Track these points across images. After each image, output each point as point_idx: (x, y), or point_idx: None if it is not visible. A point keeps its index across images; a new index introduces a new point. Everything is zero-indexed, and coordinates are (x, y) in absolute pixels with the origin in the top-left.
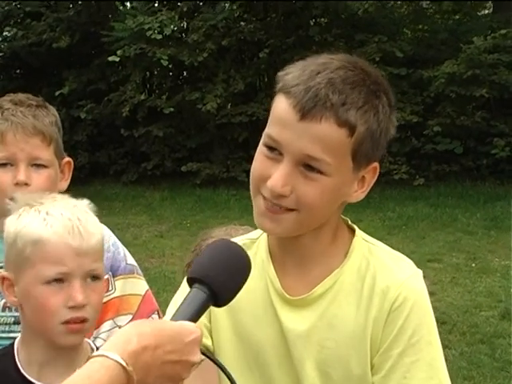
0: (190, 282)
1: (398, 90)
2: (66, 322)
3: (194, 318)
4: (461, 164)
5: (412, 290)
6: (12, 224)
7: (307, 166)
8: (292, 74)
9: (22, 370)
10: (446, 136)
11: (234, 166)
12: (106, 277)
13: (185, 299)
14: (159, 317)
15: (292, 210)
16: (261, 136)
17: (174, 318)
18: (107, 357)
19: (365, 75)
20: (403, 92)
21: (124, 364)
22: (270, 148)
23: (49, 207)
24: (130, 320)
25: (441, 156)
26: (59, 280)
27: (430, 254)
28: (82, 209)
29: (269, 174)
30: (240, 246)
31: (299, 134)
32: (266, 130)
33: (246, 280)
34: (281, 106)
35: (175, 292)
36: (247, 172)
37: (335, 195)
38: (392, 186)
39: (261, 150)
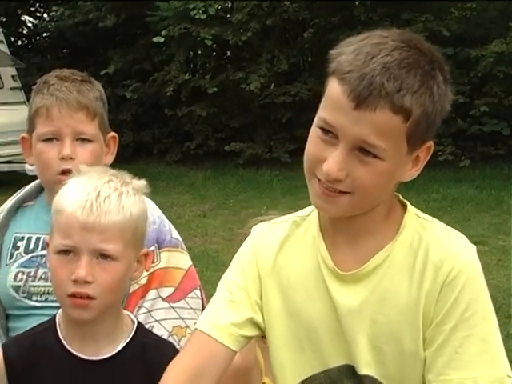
0: None
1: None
2: (72, 296)
3: None
4: (508, 145)
5: (466, 264)
6: (62, 188)
7: (363, 150)
8: (345, 56)
9: (65, 344)
10: (493, 117)
11: (276, 146)
12: (151, 248)
13: None
14: (201, 293)
15: (347, 192)
16: (304, 116)
17: None
18: None
19: (419, 55)
20: (449, 72)
21: None
22: (325, 131)
23: (83, 179)
24: (172, 293)
25: (487, 137)
26: (67, 252)
27: (476, 237)
28: (114, 186)
29: (324, 156)
30: None
31: (354, 120)
32: (320, 113)
33: None
34: (335, 91)
35: (218, 270)
36: (290, 152)
37: (390, 178)
38: (437, 168)
39: (315, 132)
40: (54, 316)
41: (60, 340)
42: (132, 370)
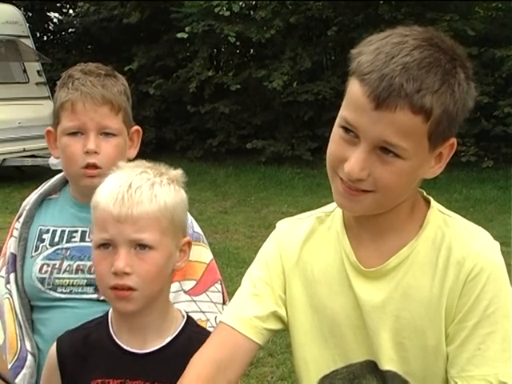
0: None
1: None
2: (114, 288)
3: None
4: None
5: (488, 261)
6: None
7: (384, 149)
8: (366, 56)
9: (115, 337)
10: None
11: (298, 144)
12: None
13: None
14: (222, 287)
15: (370, 191)
16: (326, 115)
17: None
18: None
19: (441, 53)
20: (474, 72)
21: None
22: (346, 130)
23: (116, 174)
24: (194, 286)
25: (511, 138)
26: (105, 245)
27: (498, 237)
28: (147, 177)
29: (345, 156)
30: None
31: (375, 121)
32: (342, 113)
33: None
34: (355, 91)
35: (239, 267)
36: (312, 150)
37: (412, 176)
38: (459, 168)
39: (337, 131)
40: (108, 311)
41: (110, 334)
42: (178, 364)
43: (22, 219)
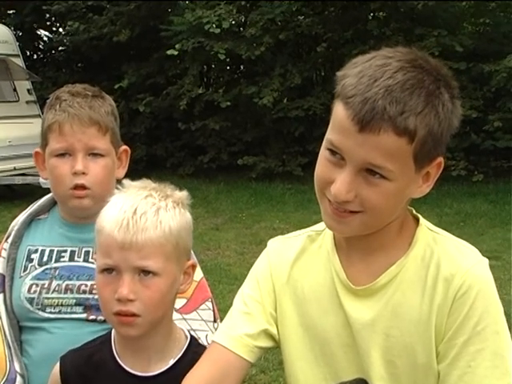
0: None
1: (457, 84)
2: (117, 314)
3: None
4: None
5: (477, 278)
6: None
7: (370, 171)
8: (350, 79)
9: (118, 359)
10: (507, 132)
11: (289, 160)
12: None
13: None
14: (212, 305)
15: (358, 211)
16: (317, 131)
17: None
18: None
19: (424, 74)
20: (463, 87)
21: None
22: (332, 152)
23: (121, 196)
24: (185, 304)
25: (500, 152)
26: (109, 270)
27: (489, 252)
28: (152, 201)
29: (332, 178)
30: None
31: (359, 143)
32: (328, 135)
33: None
34: (339, 114)
35: (231, 284)
36: (303, 166)
37: (400, 196)
38: (449, 182)
39: (323, 153)
40: (111, 330)
41: (114, 355)
42: None
43: (10, 239)
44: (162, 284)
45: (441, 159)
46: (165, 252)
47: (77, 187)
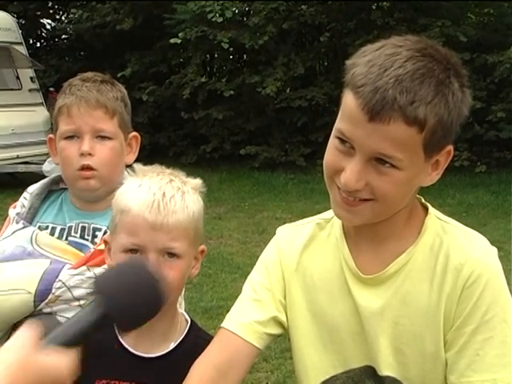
0: (95, 293)
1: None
2: None
3: (77, 340)
4: None
5: (486, 267)
6: (120, 190)
7: (379, 160)
8: (359, 68)
9: (122, 340)
10: (510, 123)
11: (292, 149)
12: None
13: (79, 313)
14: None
15: (368, 200)
16: (319, 121)
17: (53, 338)
18: None
19: (434, 64)
20: (467, 76)
21: None
22: (342, 141)
23: (145, 179)
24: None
25: (503, 143)
26: (134, 250)
27: (491, 242)
28: (177, 186)
29: (342, 166)
30: (156, 279)
31: (369, 133)
32: (337, 124)
33: (150, 318)
34: (350, 104)
35: (233, 273)
36: (305, 156)
37: (410, 185)
38: (452, 173)
39: (333, 141)
40: None
41: (117, 336)
42: (182, 370)
43: (26, 206)
44: (184, 266)
45: (450, 147)
46: (188, 235)
47: (83, 168)
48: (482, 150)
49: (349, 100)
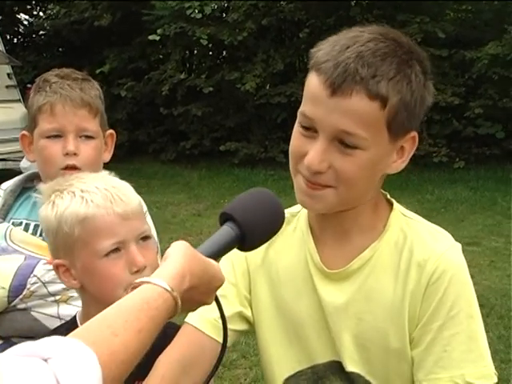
0: (223, 218)
1: (440, 71)
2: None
3: (220, 255)
4: (502, 147)
5: (450, 262)
6: (49, 212)
7: (343, 141)
8: (323, 50)
9: None
10: (488, 119)
11: (272, 146)
12: None
13: (216, 235)
14: None
15: (331, 186)
16: None
17: (202, 249)
18: (168, 291)
19: (396, 46)
20: (444, 73)
21: (179, 304)
22: (305, 127)
23: (80, 185)
24: None
25: (482, 139)
26: (116, 250)
27: (469, 238)
28: (110, 177)
29: (305, 151)
30: (280, 203)
31: (331, 109)
32: (301, 108)
33: (274, 233)
34: (312, 82)
35: None
36: (285, 152)
37: (374, 168)
38: (431, 169)
39: (297, 128)
40: (75, 316)
41: None
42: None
43: (0, 202)
44: (155, 245)
45: (415, 134)
46: (144, 215)
47: (68, 168)
48: (460, 146)
49: (311, 80)
